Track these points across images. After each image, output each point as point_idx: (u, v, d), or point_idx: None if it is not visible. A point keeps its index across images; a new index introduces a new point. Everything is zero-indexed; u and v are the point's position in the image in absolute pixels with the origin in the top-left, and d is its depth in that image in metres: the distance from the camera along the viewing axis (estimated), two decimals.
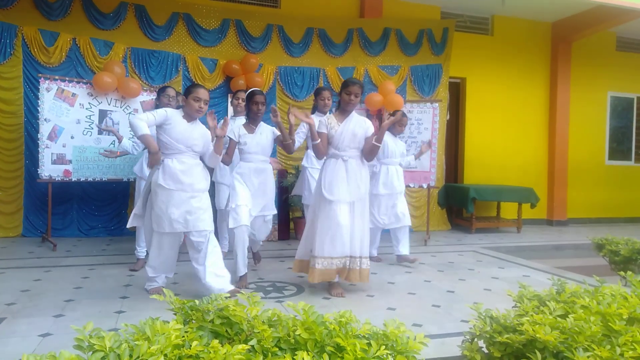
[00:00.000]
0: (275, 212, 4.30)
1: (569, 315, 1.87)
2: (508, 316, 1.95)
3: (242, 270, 3.85)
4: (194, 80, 6.49)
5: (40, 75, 5.49)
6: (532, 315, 1.89)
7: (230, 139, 3.97)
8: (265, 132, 4.07)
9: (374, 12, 7.47)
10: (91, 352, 1.34)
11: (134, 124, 3.26)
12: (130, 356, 1.32)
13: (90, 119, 5.54)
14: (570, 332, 1.75)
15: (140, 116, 3.29)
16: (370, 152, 3.74)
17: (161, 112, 3.35)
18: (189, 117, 3.43)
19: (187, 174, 3.35)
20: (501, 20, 8.49)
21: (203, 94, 3.39)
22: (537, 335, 1.71)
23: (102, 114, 5.61)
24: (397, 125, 4.90)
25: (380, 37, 7.44)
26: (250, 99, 4.00)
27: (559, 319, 1.84)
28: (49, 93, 5.34)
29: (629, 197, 9.43)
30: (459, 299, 3.68)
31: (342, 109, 3.77)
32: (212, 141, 3.52)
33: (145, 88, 5.88)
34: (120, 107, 5.68)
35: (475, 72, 8.35)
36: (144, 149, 4.51)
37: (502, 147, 8.49)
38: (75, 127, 5.47)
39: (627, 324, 1.88)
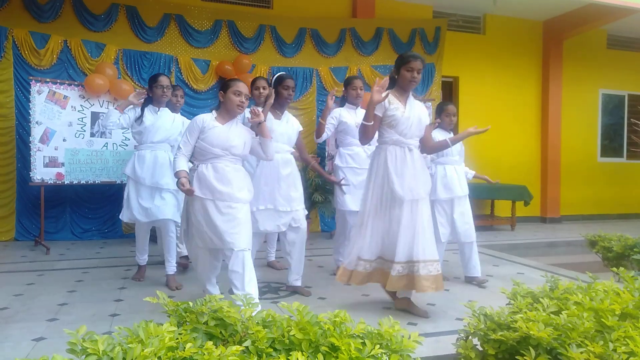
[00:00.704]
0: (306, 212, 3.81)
1: (562, 312, 1.88)
2: (502, 313, 1.96)
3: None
4: (186, 81, 6.47)
5: (31, 77, 5.46)
6: (525, 312, 1.90)
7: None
8: (292, 122, 3.74)
9: (366, 12, 7.48)
10: (84, 356, 1.33)
11: (175, 163, 3.00)
12: (124, 359, 1.31)
13: (82, 121, 5.51)
14: (563, 329, 1.76)
15: (180, 150, 3.00)
16: (435, 149, 3.43)
17: (193, 127, 3.00)
18: (227, 115, 3.04)
19: (223, 181, 2.93)
20: (493, 19, 8.53)
21: (244, 87, 3.01)
22: (531, 332, 1.72)
23: (94, 116, 5.58)
24: (444, 116, 4.19)
25: (372, 37, 7.46)
26: (281, 82, 3.66)
27: (552, 315, 1.85)
28: (40, 96, 5.31)
29: (621, 193, 9.50)
30: (453, 297, 3.69)
31: (402, 89, 3.22)
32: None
33: (137, 90, 5.85)
34: None
35: (467, 71, 8.38)
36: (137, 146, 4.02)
37: (495, 145, 8.53)
38: (67, 129, 5.44)
39: (620, 320, 1.90)
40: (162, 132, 3.94)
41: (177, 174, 2.98)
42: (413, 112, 3.19)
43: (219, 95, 3.08)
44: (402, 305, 3.29)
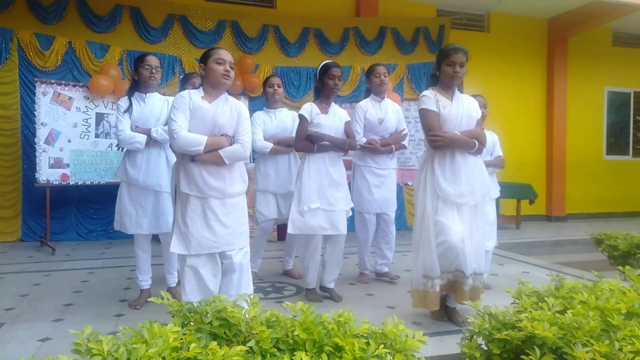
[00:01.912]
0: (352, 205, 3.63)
1: (568, 311, 1.87)
2: (507, 313, 1.95)
3: (312, 283, 3.57)
4: None
5: (36, 79, 5.49)
6: (530, 311, 1.89)
7: (303, 117, 3.39)
8: (339, 115, 3.50)
9: (369, 11, 7.47)
10: (89, 356, 1.34)
11: (188, 141, 2.48)
12: (128, 359, 1.32)
13: (87, 122, 5.54)
14: (568, 328, 1.75)
15: (178, 127, 2.49)
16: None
17: (183, 103, 2.54)
18: (213, 90, 2.60)
19: (215, 175, 2.55)
20: (497, 17, 8.49)
21: (226, 54, 2.59)
22: (536, 331, 1.71)
23: (99, 117, 5.61)
24: None
25: (376, 36, 7.44)
26: (326, 72, 3.38)
27: (557, 314, 1.84)
28: (45, 97, 5.33)
29: (627, 191, 9.44)
30: None
31: (445, 85, 2.99)
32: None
33: None
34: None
35: (472, 69, 8.22)
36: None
37: (499, 143, 8.48)
38: (72, 130, 5.46)
39: (626, 319, 1.88)
40: (151, 123, 3.31)
41: (211, 145, 2.51)
42: (461, 108, 2.95)
43: (199, 70, 2.65)
44: (457, 316, 3.08)
